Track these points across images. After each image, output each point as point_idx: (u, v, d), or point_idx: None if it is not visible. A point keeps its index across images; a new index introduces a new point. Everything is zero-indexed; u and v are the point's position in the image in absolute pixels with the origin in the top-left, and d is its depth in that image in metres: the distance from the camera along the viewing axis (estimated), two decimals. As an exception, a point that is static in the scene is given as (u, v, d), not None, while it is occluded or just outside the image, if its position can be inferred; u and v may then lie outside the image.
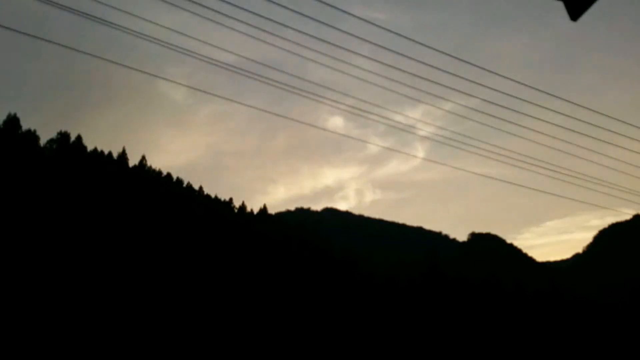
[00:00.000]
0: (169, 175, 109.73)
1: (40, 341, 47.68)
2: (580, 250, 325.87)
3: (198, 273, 67.48)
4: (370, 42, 13.99)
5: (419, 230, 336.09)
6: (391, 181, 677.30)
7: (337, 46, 14.46)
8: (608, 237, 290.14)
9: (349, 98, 17.13)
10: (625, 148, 20.22)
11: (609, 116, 18.78)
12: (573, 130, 18.99)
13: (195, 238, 73.61)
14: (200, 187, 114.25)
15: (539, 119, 18.24)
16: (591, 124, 18.54)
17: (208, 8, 12.43)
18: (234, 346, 61.85)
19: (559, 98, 17.50)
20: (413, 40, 13.83)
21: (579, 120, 18.12)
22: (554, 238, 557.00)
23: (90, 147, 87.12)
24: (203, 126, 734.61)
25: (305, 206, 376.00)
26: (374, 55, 15.18)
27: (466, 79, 15.90)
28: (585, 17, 6.16)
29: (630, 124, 18.90)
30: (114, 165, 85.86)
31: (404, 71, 15.68)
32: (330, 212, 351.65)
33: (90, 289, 54.72)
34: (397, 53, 14.51)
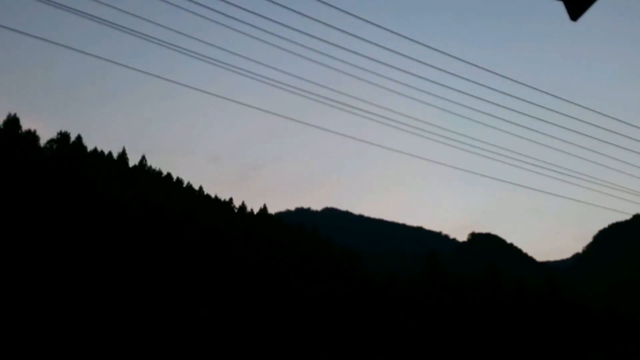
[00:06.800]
0: (169, 175, 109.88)
1: (40, 341, 47.71)
2: (580, 250, 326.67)
3: (197, 275, 67.54)
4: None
5: (419, 230, 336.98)
6: (391, 180, 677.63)
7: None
8: (608, 237, 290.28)
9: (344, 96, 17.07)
10: (625, 148, 20.23)
11: (609, 116, 18.80)
12: (573, 130, 19.00)
13: (194, 238, 73.67)
14: (200, 187, 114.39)
15: (538, 118, 18.26)
16: (591, 124, 18.56)
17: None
18: (234, 347, 61.89)
19: (559, 98, 17.51)
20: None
21: (579, 120, 18.13)
22: (554, 238, 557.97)
23: (90, 147, 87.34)
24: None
25: (305, 206, 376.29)
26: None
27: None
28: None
29: (630, 124, 18.92)
30: (114, 165, 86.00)
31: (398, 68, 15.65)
32: (330, 212, 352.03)
33: (90, 289, 54.73)
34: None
